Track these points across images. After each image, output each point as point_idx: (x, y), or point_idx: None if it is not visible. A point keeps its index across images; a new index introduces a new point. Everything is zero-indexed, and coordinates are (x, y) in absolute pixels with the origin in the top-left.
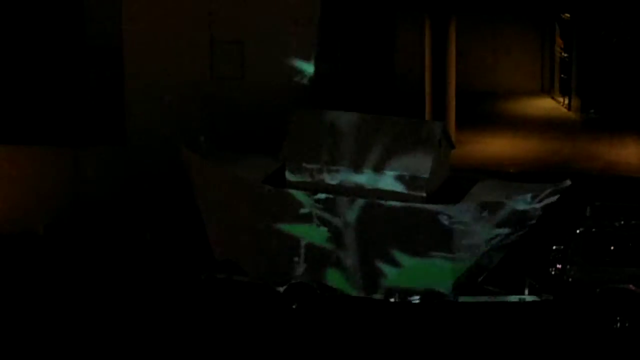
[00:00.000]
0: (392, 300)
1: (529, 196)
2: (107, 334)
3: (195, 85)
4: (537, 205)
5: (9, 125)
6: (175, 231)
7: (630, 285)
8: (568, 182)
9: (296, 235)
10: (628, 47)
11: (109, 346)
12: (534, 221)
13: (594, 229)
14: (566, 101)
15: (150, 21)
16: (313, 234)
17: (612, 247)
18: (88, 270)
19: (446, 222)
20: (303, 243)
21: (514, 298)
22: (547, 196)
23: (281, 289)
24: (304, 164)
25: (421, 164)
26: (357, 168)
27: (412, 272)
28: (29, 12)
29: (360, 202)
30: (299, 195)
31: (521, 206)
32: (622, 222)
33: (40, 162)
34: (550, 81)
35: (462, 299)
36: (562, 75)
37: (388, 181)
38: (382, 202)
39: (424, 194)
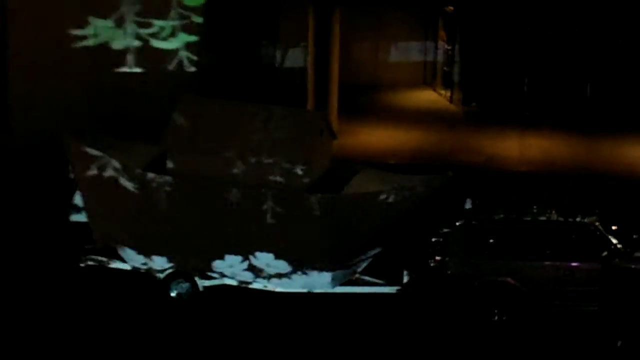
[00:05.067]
0: (270, 289)
1: (409, 187)
2: None
3: (80, 75)
4: (416, 196)
5: None
6: (56, 217)
7: (509, 279)
8: (449, 174)
9: (177, 221)
10: (510, 40)
11: None
12: (413, 212)
13: (473, 222)
14: (448, 94)
15: (34, 12)
16: (194, 221)
17: (491, 240)
18: None
19: (324, 212)
20: (184, 230)
21: (392, 289)
22: (428, 187)
23: (160, 276)
24: (186, 152)
25: (301, 153)
26: (239, 156)
27: (288, 263)
28: None
29: (239, 190)
30: (181, 181)
31: (400, 197)
32: (502, 216)
33: None
34: (433, 74)
35: (340, 290)
36: (444, 68)
37: (269, 170)
38: (262, 190)
39: (304, 184)
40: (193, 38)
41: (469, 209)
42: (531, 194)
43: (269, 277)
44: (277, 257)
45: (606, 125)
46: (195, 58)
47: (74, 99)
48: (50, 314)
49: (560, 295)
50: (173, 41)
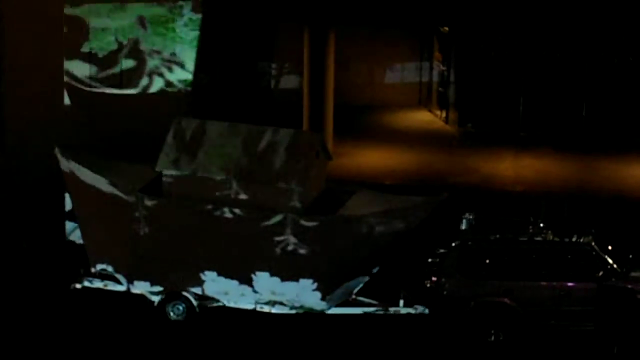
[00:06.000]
0: (263, 310)
1: (405, 208)
2: None
3: (76, 94)
4: (413, 217)
5: None
6: (52, 239)
7: (505, 299)
8: (445, 195)
9: (171, 243)
10: (506, 61)
11: None
12: (409, 233)
13: (469, 242)
14: (444, 114)
15: (31, 28)
16: (188, 243)
17: (487, 261)
18: None
19: (321, 233)
20: (179, 252)
21: (389, 310)
22: (424, 208)
23: (156, 300)
24: (181, 174)
25: (297, 175)
26: (234, 178)
27: (282, 283)
28: None
29: (231, 212)
30: (175, 204)
31: (396, 218)
32: (498, 236)
33: None
34: (428, 94)
35: (335, 311)
36: (440, 89)
37: (265, 192)
38: (256, 213)
39: (300, 206)
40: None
41: (465, 229)
42: (527, 214)
43: (267, 301)
44: (283, 280)
45: (602, 145)
46: (190, 79)
47: (70, 120)
48: (46, 337)
49: (557, 315)
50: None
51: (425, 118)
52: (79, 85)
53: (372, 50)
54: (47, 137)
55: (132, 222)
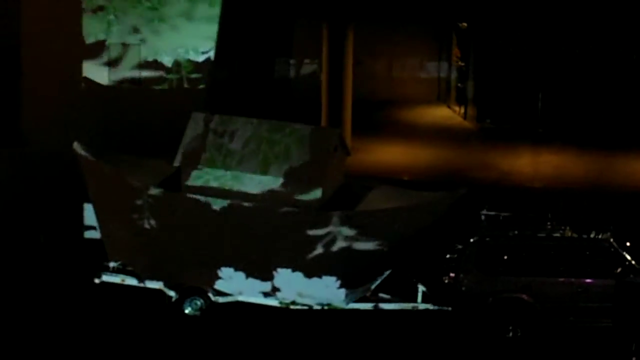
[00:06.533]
0: (283, 305)
1: (423, 204)
2: None
3: (94, 89)
4: (432, 213)
5: None
6: (70, 233)
7: (523, 295)
8: (463, 191)
9: (188, 238)
10: (524, 57)
11: None
12: (428, 228)
13: (487, 239)
14: (462, 110)
15: (50, 22)
16: (205, 238)
17: (505, 257)
18: None
19: (339, 229)
20: (195, 247)
21: (407, 306)
22: (442, 204)
23: (173, 295)
24: (200, 169)
25: (316, 170)
26: (253, 173)
27: (302, 279)
28: None
29: (251, 207)
30: (192, 199)
31: (415, 213)
32: (516, 232)
33: None
34: (447, 90)
35: (354, 306)
36: (458, 85)
37: (283, 187)
38: (275, 207)
39: (318, 201)
40: None
41: (483, 225)
42: (545, 211)
43: (292, 301)
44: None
45: (621, 141)
46: (208, 74)
47: (87, 115)
48: (64, 331)
49: (575, 311)
50: None
51: (443, 114)
52: (96, 80)
53: (391, 46)
54: (65, 132)
55: (145, 215)
